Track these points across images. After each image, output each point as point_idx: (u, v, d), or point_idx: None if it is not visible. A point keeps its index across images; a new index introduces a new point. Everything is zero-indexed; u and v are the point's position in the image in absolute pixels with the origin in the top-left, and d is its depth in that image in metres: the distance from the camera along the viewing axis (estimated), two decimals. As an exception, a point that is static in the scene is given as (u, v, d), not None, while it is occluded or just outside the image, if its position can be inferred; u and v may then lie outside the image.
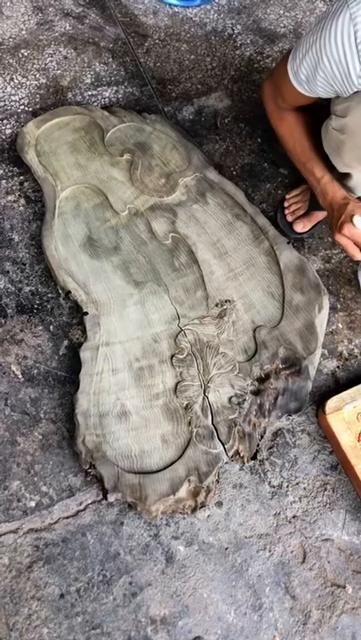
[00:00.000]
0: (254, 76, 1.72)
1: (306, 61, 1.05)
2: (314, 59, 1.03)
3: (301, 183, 1.52)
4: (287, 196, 1.51)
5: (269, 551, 1.17)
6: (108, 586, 1.13)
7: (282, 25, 1.82)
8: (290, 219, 1.48)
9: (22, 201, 1.49)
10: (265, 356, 1.26)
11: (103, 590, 1.13)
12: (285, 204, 1.50)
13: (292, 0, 1.86)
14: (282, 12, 1.84)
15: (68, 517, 1.18)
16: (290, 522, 1.20)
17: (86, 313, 1.31)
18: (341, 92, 1.05)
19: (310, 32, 1.04)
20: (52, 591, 1.12)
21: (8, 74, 1.69)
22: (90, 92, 1.67)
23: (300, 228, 1.47)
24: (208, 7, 1.85)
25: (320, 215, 1.47)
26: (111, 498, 1.14)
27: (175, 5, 1.85)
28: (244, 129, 1.63)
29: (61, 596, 1.12)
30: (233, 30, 1.81)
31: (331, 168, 1.21)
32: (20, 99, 1.65)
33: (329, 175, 1.20)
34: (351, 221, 1.11)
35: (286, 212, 1.49)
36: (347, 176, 1.24)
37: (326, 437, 1.26)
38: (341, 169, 1.25)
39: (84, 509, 1.18)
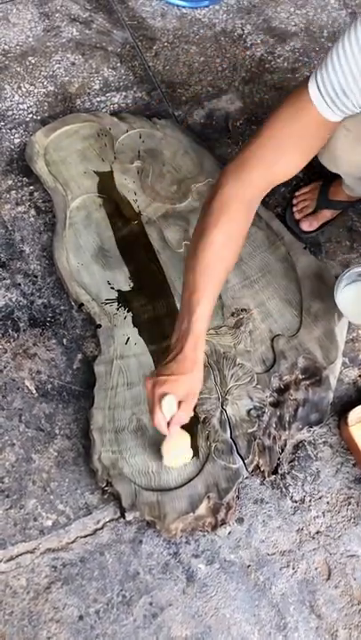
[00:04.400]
0: (266, 76, 1.68)
1: (341, 64, 0.85)
2: (352, 57, 0.83)
3: (312, 181, 1.49)
4: (296, 194, 1.48)
5: (293, 568, 1.14)
6: (128, 607, 1.10)
7: (293, 23, 1.78)
8: (297, 216, 1.45)
9: (32, 212, 1.47)
10: (284, 367, 1.22)
11: (123, 611, 1.10)
12: (294, 202, 1.47)
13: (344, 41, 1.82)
14: (292, 9, 1.80)
15: (85, 536, 1.15)
16: (313, 538, 1.16)
17: (99, 325, 1.28)
18: None
19: (341, 38, 0.85)
20: (71, 613, 1.10)
21: (15, 82, 1.67)
22: (98, 99, 1.65)
23: (307, 226, 1.43)
24: (217, 7, 1.82)
25: (328, 214, 1.44)
26: (129, 516, 1.11)
27: (183, 7, 1.81)
28: (256, 131, 1.59)
29: (80, 617, 1.10)
30: (243, 30, 1.77)
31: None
32: (28, 107, 1.63)
33: (201, 328, 0.97)
34: (160, 405, 0.97)
35: (294, 209, 1.46)
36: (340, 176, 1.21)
37: (349, 449, 1.22)
38: (330, 168, 1.21)
39: (102, 528, 1.16)
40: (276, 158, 0.96)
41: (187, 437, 1.12)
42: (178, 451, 1.13)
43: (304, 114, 0.92)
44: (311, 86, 0.90)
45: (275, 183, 1.00)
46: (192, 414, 1.02)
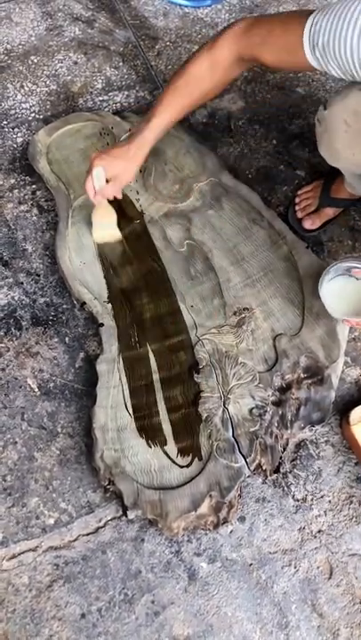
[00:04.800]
0: (268, 76, 1.68)
1: (334, 21, 0.92)
2: (339, 24, 0.91)
3: (314, 180, 1.49)
4: (299, 192, 1.48)
5: (295, 567, 1.14)
6: (130, 605, 1.10)
7: (295, 22, 1.77)
8: (299, 215, 1.45)
9: (35, 210, 1.47)
10: (286, 366, 1.22)
11: (125, 609, 1.10)
12: (296, 200, 1.47)
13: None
14: (295, 9, 1.80)
15: (87, 534, 1.15)
16: (315, 536, 1.16)
17: (102, 324, 1.29)
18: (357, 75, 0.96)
19: None
20: (73, 611, 1.10)
21: (18, 81, 1.67)
22: (101, 98, 1.65)
23: (309, 224, 1.43)
24: (219, 7, 1.82)
25: (330, 212, 1.44)
26: (131, 515, 1.11)
27: (186, 6, 1.82)
28: (258, 131, 1.60)
29: (82, 615, 1.10)
30: (245, 30, 1.77)
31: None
32: (30, 106, 1.63)
33: (151, 135, 1.18)
34: (91, 172, 1.19)
35: (296, 207, 1.46)
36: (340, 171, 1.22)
37: (351, 448, 1.22)
38: (329, 162, 1.22)
39: (104, 526, 1.16)
40: (261, 44, 1.06)
41: (113, 214, 1.33)
42: (104, 224, 1.32)
43: (294, 39, 1.00)
44: (307, 24, 0.97)
45: (255, 60, 1.11)
46: (118, 195, 1.27)
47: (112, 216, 1.34)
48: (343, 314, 1.17)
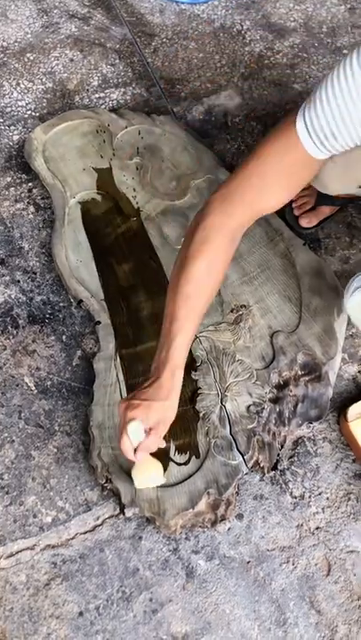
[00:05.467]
0: (265, 72, 1.68)
1: (330, 106, 0.81)
2: (342, 93, 0.79)
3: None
4: None
5: (293, 564, 1.14)
6: (128, 603, 1.10)
7: (292, 19, 1.77)
8: (296, 213, 1.45)
9: (31, 208, 1.47)
10: (283, 363, 1.22)
11: (123, 607, 1.10)
12: (294, 198, 1.46)
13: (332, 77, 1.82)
14: (292, 5, 1.80)
15: (85, 533, 1.15)
16: (313, 533, 1.16)
17: (99, 322, 1.28)
18: None
19: (331, 74, 0.81)
20: (71, 609, 1.10)
21: (14, 79, 1.66)
22: (97, 95, 1.64)
23: (306, 222, 1.43)
24: (215, 3, 1.81)
25: (327, 211, 1.44)
26: (129, 513, 1.11)
27: (182, 3, 1.81)
28: (255, 127, 1.59)
29: (80, 613, 1.10)
30: (242, 26, 1.77)
31: None
32: (26, 104, 1.62)
33: (179, 357, 0.97)
34: (126, 429, 0.97)
35: (293, 205, 1.46)
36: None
37: (349, 445, 1.22)
38: (319, 189, 1.26)
39: (102, 524, 1.16)
40: (260, 195, 0.94)
41: (158, 465, 1.09)
42: (147, 476, 1.08)
43: (291, 151, 0.89)
44: (299, 124, 0.86)
45: (259, 216, 0.99)
46: (162, 444, 1.02)
47: (158, 466, 1.09)
48: None
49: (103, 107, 1.62)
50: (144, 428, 0.98)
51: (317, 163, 0.91)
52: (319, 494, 1.19)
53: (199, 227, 0.96)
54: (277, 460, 1.18)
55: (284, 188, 0.95)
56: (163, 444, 1.03)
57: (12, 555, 1.13)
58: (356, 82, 0.77)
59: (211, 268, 0.97)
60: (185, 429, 1.18)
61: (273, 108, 1.62)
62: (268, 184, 0.93)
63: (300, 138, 0.87)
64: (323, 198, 1.42)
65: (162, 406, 0.97)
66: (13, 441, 1.23)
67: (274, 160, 0.91)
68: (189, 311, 0.97)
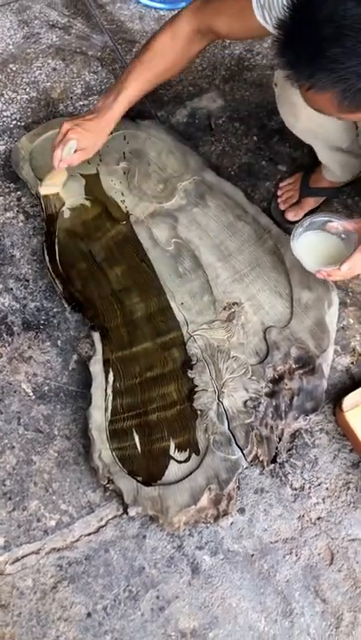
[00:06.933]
0: (245, 74, 1.70)
1: None
2: None
3: (295, 173, 1.51)
4: (280, 185, 1.50)
5: (296, 555, 1.15)
6: (135, 601, 1.11)
7: (269, 21, 1.80)
8: (282, 207, 1.47)
9: (21, 217, 1.48)
10: (277, 357, 1.23)
11: (130, 606, 1.11)
12: (278, 193, 1.49)
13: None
14: None
15: (89, 534, 1.16)
16: (314, 524, 1.18)
17: (94, 326, 1.29)
18: None
19: None
20: (79, 611, 1.11)
21: (-2, 90, 1.68)
22: (81, 102, 1.66)
23: (293, 216, 1.45)
24: (194, 8, 1.83)
25: (312, 202, 1.46)
26: (132, 512, 1.12)
27: (160, 9, 1.83)
28: (239, 128, 1.61)
29: (88, 615, 1.10)
30: (221, 30, 1.79)
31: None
32: (11, 114, 1.64)
33: (121, 108, 1.24)
34: (63, 143, 1.22)
35: (279, 200, 1.48)
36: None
37: (345, 435, 1.24)
38: (292, 126, 1.29)
39: (105, 525, 1.17)
40: (215, 17, 1.16)
41: (65, 174, 1.39)
42: (52, 181, 1.38)
43: (243, 3, 1.07)
44: None
45: (214, 36, 1.21)
46: (83, 159, 1.29)
47: (64, 175, 1.40)
48: (318, 266, 1.17)
49: (88, 114, 1.64)
50: (75, 149, 1.24)
51: (258, 24, 1.08)
52: (319, 485, 1.21)
53: (172, 18, 1.21)
54: (276, 453, 1.19)
55: (229, 23, 1.15)
56: (83, 159, 1.29)
57: (17, 560, 1.14)
58: None
59: (169, 45, 1.20)
60: (184, 427, 1.19)
61: (255, 109, 1.64)
62: (222, 12, 1.14)
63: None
64: (306, 190, 1.44)
65: (94, 138, 1.26)
66: (14, 447, 1.23)
67: (231, 1, 1.12)
68: (140, 73, 1.22)
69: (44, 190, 1.40)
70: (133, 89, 1.24)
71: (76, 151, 1.25)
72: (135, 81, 1.23)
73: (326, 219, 1.19)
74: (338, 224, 1.17)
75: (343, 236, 1.18)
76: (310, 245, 1.21)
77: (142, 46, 1.23)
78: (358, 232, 1.14)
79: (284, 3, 0.92)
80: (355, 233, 1.14)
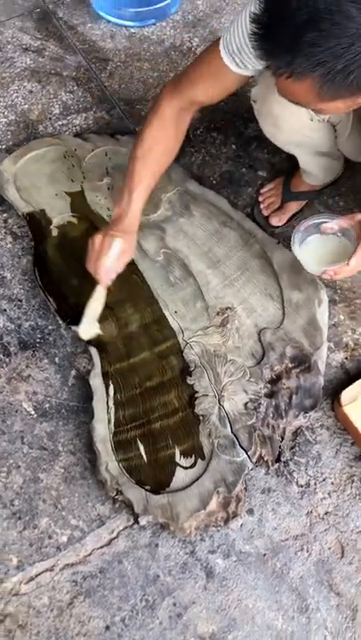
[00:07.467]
0: (219, 84, 1.74)
1: (237, 28, 1.03)
2: (243, 25, 1.01)
3: (275, 178, 1.54)
4: (261, 191, 1.53)
5: (307, 551, 1.17)
6: (153, 610, 1.12)
7: (238, 32, 1.84)
8: (266, 213, 1.50)
9: (9, 238, 1.49)
10: (273, 358, 1.26)
11: (148, 616, 1.11)
12: (260, 199, 1.52)
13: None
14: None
15: (101, 547, 1.16)
16: (323, 519, 1.19)
17: (90, 340, 1.31)
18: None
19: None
20: (97, 624, 1.11)
21: (-24, 115, 1.69)
22: (60, 122, 1.68)
23: (277, 221, 1.48)
24: (163, 24, 1.88)
25: (294, 207, 1.50)
26: (143, 521, 1.13)
27: (130, 27, 1.87)
28: (217, 138, 1.65)
29: (107, 628, 1.10)
30: (191, 43, 1.83)
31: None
32: (-9, 138, 1.65)
33: (137, 204, 1.22)
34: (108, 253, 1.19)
35: (261, 206, 1.51)
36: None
37: (346, 429, 1.26)
38: (274, 138, 1.32)
39: (117, 537, 1.17)
40: (194, 89, 1.16)
41: (100, 306, 1.27)
42: (88, 319, 1.26)
43: (214, 62, 1.09)
44: (221, 44, 1.07)
45: (196, 104, 1.21)
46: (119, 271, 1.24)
47: (100, 306, 1.28)
48: (321, 267, 1.17)
49: (67, 133, 1.66)
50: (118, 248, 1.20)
51: (234, 75, 1.10)
52: (324, 480, 1.22)
53: (154, 106, 1.20)
54: (280, 452, 1.21)
55: (208, 89, 1.16)
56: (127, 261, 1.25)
57: (32, 579, 1.14)
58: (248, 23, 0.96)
59: (160, 133, 1.20)
60: (187, 433, 1.20)
61: (231, 118, 1.68)
62: (198, 82, 1.15)
63: (221, 52, 1.07)
64: (287, 194, 1.48)
65: (129, 239, 1.22)
66: (19, 466, 1.23)
67: (204, 67, 1.13)
68: (143, 170, 1.21)
69: (86, 334, 1.28)
70: (142, 185, 1.21)
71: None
72: (142, 179, 1.21)
73: (320, 220, 1.19)
74: (333, 223, 1.18)
75: (340, 234, 1.20)
76: (312, 249, 1.21)
77: (135, 141, 1.22)
78: (355, 227, 1.15)
79: (247, 39, 0.98)
80: (351, 229, 1.16)
